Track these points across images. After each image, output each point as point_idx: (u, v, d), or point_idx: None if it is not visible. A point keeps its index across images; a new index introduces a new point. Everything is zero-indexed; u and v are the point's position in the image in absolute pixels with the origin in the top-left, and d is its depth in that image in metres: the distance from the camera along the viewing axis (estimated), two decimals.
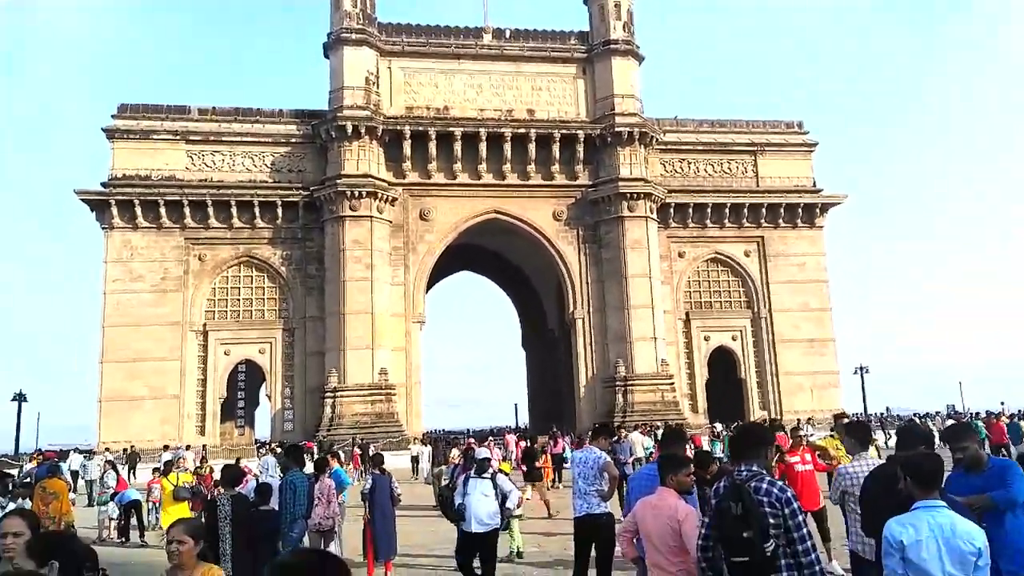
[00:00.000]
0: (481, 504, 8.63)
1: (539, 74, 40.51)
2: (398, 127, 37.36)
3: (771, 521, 4.44)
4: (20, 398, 39.23)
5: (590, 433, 9.33)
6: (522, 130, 38.35)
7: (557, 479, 23.90)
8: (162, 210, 36.16)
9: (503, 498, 8.85)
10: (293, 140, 38.47)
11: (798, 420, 30.96)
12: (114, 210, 35.94)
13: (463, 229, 39.19)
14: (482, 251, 46.54)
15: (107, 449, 30.24)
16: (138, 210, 36.03)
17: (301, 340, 37.28)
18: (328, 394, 35.05)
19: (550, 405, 46.43)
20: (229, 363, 37.19)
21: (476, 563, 8.81)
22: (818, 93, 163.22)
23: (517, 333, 54.94)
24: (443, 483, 15.50)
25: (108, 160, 37.03)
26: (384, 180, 37.39)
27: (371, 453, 19.72)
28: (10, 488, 10.06)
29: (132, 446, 31.50)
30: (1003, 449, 23.86)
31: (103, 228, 36.35)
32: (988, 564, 4.12)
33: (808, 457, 10.70)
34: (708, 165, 42.73)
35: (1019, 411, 34.77)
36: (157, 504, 15.59)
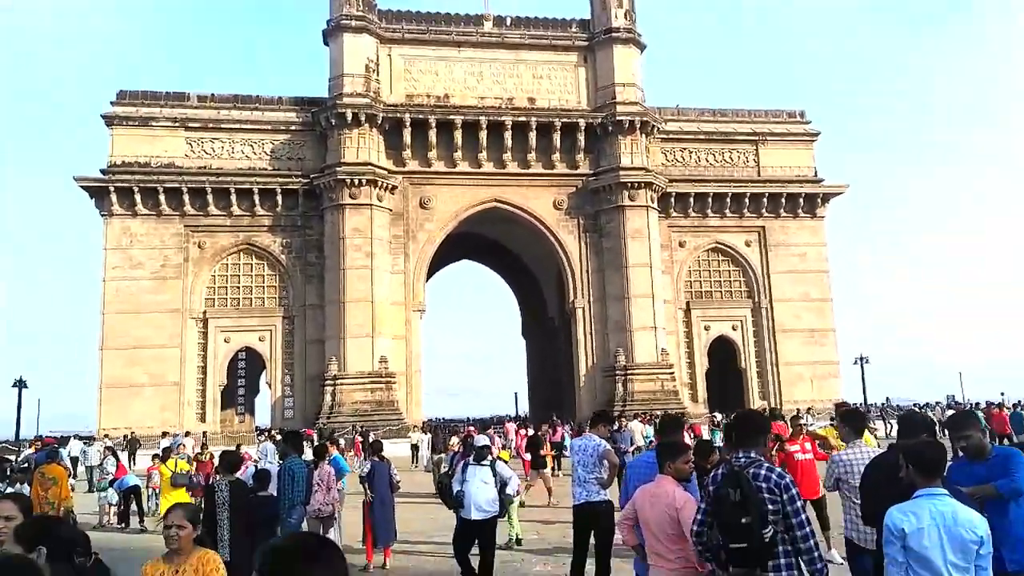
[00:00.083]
0: (480, 491, 8.61)
1: (540, 62, 40.30)
2: (398, 115, 37.20)
3: (770, 507, 4.43)
4: (20, 384, 39.21)
5: (589, 421, 9.28)
6: (523, 118, 38.19)
7: (556, 467, 23.94)
8: (161, 197, 36.06)
9: (502, 484, 8.83)
10: (293, 127, 38.32)
11: (798, 410, 30.99)
12: (113, 197, 35.84)
13: (463, 218, 39.10)
14: (482, 240, 46.46)
15: (106, 435, 30.29)
16: (137, 197, 35.94)
17: (301, 328, 37.28)
18: (328, 382, 35.08)
19: (550, 394, 46.49)
20: (229, 351, 37.20)
21: (475, 550, 8.78)
22: (821, 82, 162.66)
23: (517, 322, 55.00)
24: (442, 471, 15.52)
25: (107, 147, 36.90)
26: (384, 168, 37.26)
27: (370, 440, 19.71)
28: (7, 473, 10.04)
29: (132, 432, 31.56)
30: (1006, 439, 23.88)
31: (102, 215, 36.27)
32: (990, 553, 4.09)
33: (808, 446, 10.69)
34: (709, 154, 42.59)
35: (1021, 401, 34.75)
36: (156, 490, 15.62)
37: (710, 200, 41.06)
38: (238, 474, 10.24)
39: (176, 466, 14.28)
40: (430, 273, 41.35)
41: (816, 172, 43.52)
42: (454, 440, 18.80)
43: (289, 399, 37.01)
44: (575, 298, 39.36)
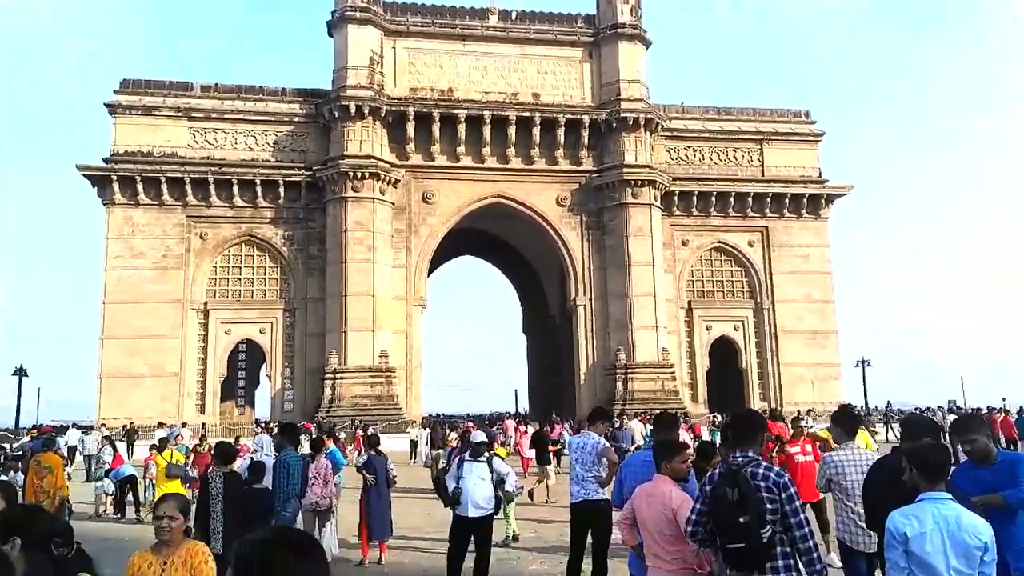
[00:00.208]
0: (477, 488, 8.51)
1: (545, 57, 40.15)
2: (402, 108, 37.08)
3: (768, 507, 4.35)
4: (21, 373, 39.25)
5: (587, 418, 9.17)
6: (527, 114, 38.06)
7: (557, 464, 23.84)
8: (164, 187, 35.99)
9: (500, 481, 8.74)
10: (296, 119, 38.21)
11: (798, 411, 30.88)
12: (115, 186, 35.78)
13: (466, 213, 39.00)
14: (484, 235, 46.36)
15: (103, 425, 30.26)
16: (140, 187, 35.87)
17: (302, 321, 37.22)
18: (328, 375, 35.04)
19: (550, 391, 46.43)
20: (230, 342, 37.17)
21: (471, 546, 8.68)
22: (826, 82, 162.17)
23: (518, 319, 54.91)
24: (440, 466, 15.46)
25: (110, 136, 36.83)
26: (387, 161, 37.16)
27: (368, 435, 19.65)
28: (2, 461, 9.97)
29: (131, 423, 31.53)
30: (1012, 444, 23.75)
31: (104, 204, 36.22)
32: (995, 560, 4.01)
33: (809, 448, 10.60)
34: (713, 153, 42.44)
35: None
36: (152, 480, 15.55)
37: (713, 199, 40.92)
38: (235, 465, 10.17)
39: (172, 457, 14.21)
40: (432, 268, 41.25)
41: (820, 173, 43.35)
42: (452, 436, 18.73)
43: (289, 392, 36.97)
44: (576, 295, 39.27)
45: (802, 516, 4.41)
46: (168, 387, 35.41)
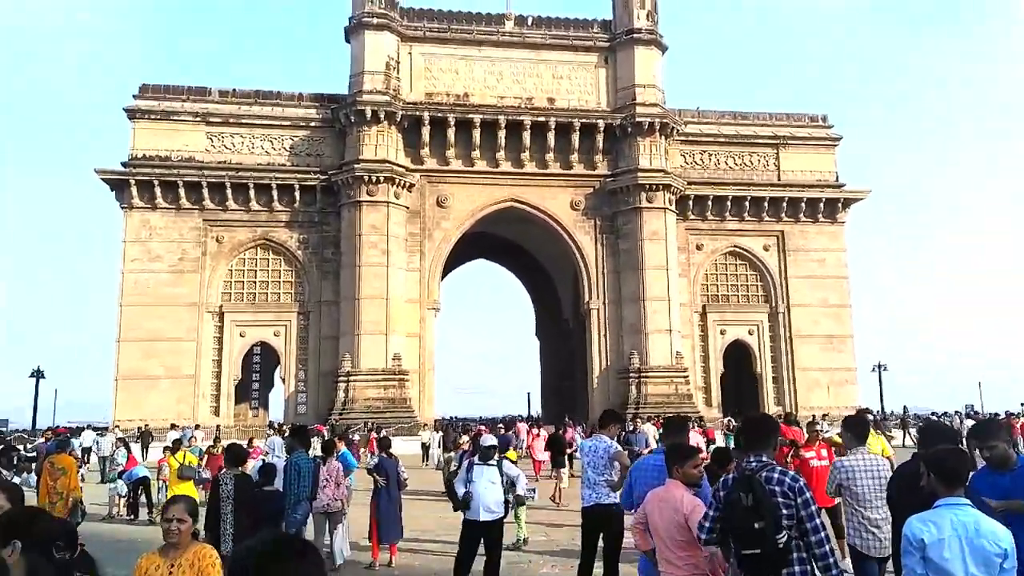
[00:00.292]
0: (489, 492, 8.45)
1: (560, 62, 40.15)
2: (417, 113, 37.19)
3: (783, 512, 4.27)
4: (38, 375, 39.66)
5: (599, 421, 9.08)
6: (542, 118, 38.05)
7: (569, 468, 23.73)
8: (181, 191, 36.28)
9: (510, 484, 8.68)
10: (312, 124, 38.42)
11: (813, 416, 30.61)
12: (133, 190, 36.10)
13: (480, 217, 39.03)
14: (498, 239, 46.37)
15: (117, 427, 30.48)
16: (157, 190, 36.18)
17: (316, 324, 37.35)
18: (341, 378, 35.13)
19: (563, 395, 46.32)
20: (244, 345, 37.37)
21: (480, 550, 8.62)
22: (845, 86, 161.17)
23: (532, 322, 54.85)
24: (452, 469, 15.42)
25: (128, 140, 37.20)
26: (402, 166, 37.27)
27: (378, 437, 19.67)
28: (15, 462, 10.03)
29: (146, 424, 31.74)
30: None
31: (122, 207, 36.55)
32: (1015, 567, 3.92)
33: (824, 453, 10.47)
34: (729, 158, 42.25)
35: None
36: (166, 482, 15.62)
37: (729, 203, 40.73)
38: (247, 467, 10.18)
39: (185, 458, 14.27)
40: (445, 272, 41.30)
41: (837, 177, 43.03)
42: (464, 439, 18.69)
43: (303, 394, 37.11)
44: (590, 299, 39.18)
45: (818, 521, 4.33)
46: (183, 389, 35.64)
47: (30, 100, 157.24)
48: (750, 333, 41.41)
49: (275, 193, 36.96)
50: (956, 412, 40.69)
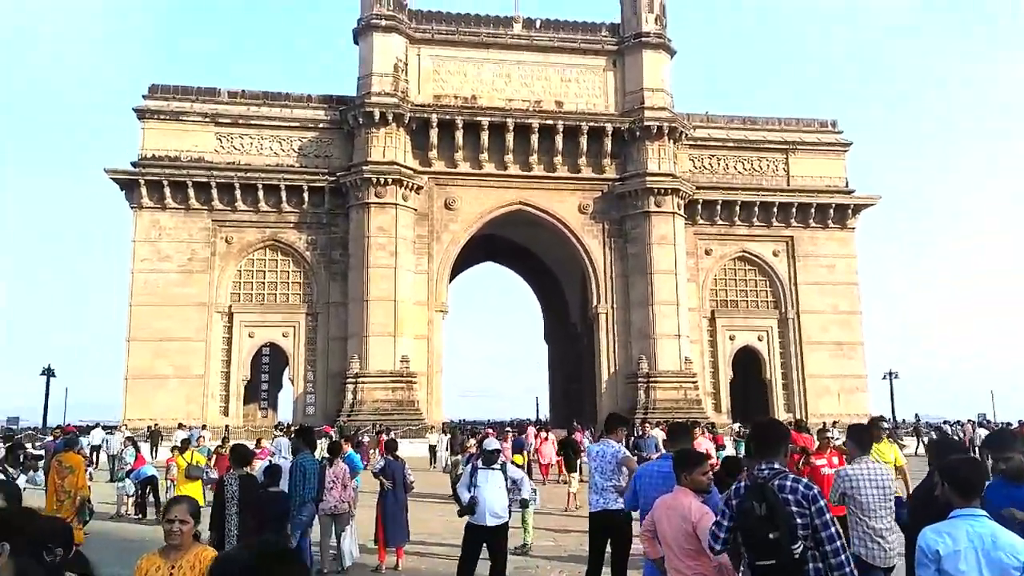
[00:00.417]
0: (495, 496, 8.39)
1: (569, 65, 40.11)
2: (425, 115, 37.22)
3: (798, 521, 4.18)
4: (48, 373, 39.83)
5: (604, 426, 8.98)
6: (550, 121, 38.02)
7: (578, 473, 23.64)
8: (190, 191, 36.41)
9: (514, 486, 8.60)
10: (321, 125, 38.50)
11: (824, 423, 30.40)
12: (143, 190, 36.25)
13: (488, 219, 39.01)
14: (506, 242, 46.33)
15: (125, 426, 30.55)
16: (167, 191, 36.31)
17: (324, 325, 37.40)
18: (349, 380, 35.15)
19: (571, 399, 46.19)
20: (253, 345, 37.45)
21: (482, 556, 8.54)
22: (855, 92, 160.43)
23: (540, 326, 54.76)
24: (459, 472, 15.36)
25: (138, 140, 37.37)
26: (410, 168, 37.31)
27: (384, 440, 19.64)
28: (21, 460, 10.02)
29: (156, 424, 31.82)
30: None
31: (132, 207, 36.71)
32: None
33: (836, 460, 10.35)
34: (738, 162, 42.10)
35: None
36: (174, 481, 15.63)
37: (738, 208, 40.58)
38: (254, 468, 10.15)
39: (192, 458, 14.27)
40: (453, 274, 41.30)
41: (847, 183, 42.82)
42: (471, 442, 18.63)
43: (311, 395, 37.16)
44: (598, 303, 39.08)
45: (833, 530, 4.23)
46: (193, 389, 35.74)
47: (35, 99, 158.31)
48: (759, 339, 41.21)
49: (284, 194, 37.05)
50: (968, 420, 40.27)
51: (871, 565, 6.26)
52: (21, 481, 9.28)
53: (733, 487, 4.63)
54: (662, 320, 37.53)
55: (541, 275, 50.51)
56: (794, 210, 41.04)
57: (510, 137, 37.73)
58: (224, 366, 36.66)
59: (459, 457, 18.38)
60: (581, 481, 19.59)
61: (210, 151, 37.47)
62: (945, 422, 43.27)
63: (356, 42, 38.65)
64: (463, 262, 43.33)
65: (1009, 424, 35.65)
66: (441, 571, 10.65)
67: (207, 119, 37.62)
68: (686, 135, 39.88)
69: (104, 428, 31.39)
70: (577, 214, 39.25)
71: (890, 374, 45.69)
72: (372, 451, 26.35)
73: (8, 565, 2.98)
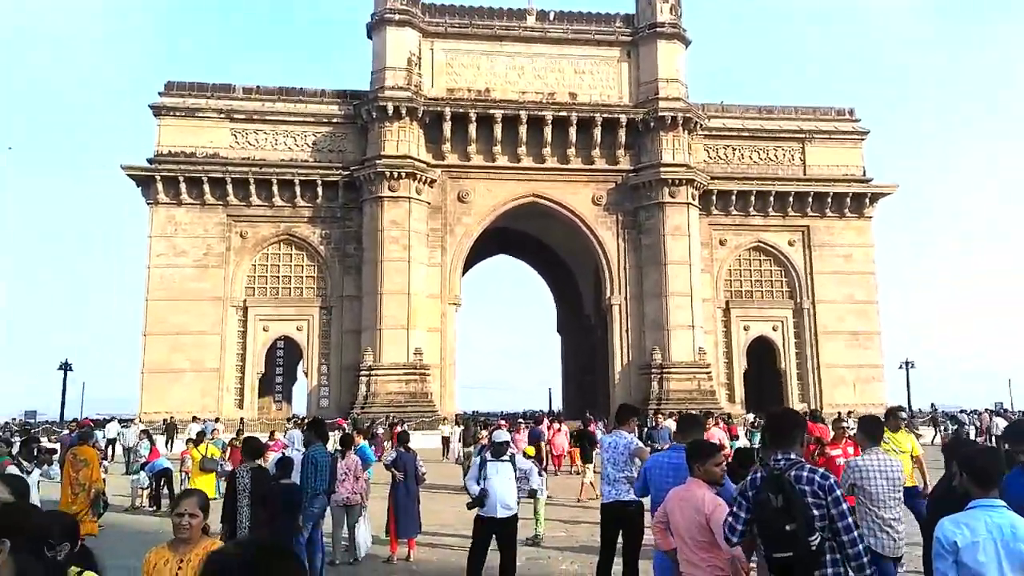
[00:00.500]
0: (506, 488, 8.36)
1: (582, 57, 39.89)
2: (439, 108, 37.17)
3: (815, 512, 4.10)
4: (66, 367, 40.26)
5: (615, 417, 8.92)
6: (563, 113, 37.86)
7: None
8: (206, 187, 36.61)
9: (523, 477, 8.57)
10: (335, 120, 38.56)
11: (839, 413, 30.16)
12: (159, 186, 36.50)
13: (501, 212, 38.95)
14: (519, 235, 46.26)
15: (139, 421, 30.84)
16: (182, 186, 36.54)
17: (338, 318, 37.55)
18: (363, 372, 35.29)
19: (584, 391, 46.15)
20: (268, 339, 37.66)
21: (492, 544, 8.50)
22: (874, 79, 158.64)
23: (553, 318, 54.70)
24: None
25: (154, 137, 37.60)
26: (423, 161, 37.29)
27: (398, 432, 19.71)
28: (35, 454, 10.10)
29: (171, 417, 32.11)
30: None
31: (148, 203, 36.97)
32: None
33: (851, 451, 10.24)
34: (753, 152, 41.74)
35: None
36: (188, 474, 15.75)
37: (753, 198, 40.26)
38: (267, 460, 10.16)
39: (207, 451, 14.35)
40: (466, 267, 41.30)
41: (864, 171, 42.36)
42: (484, 433, 18.63)
43: (325, 388, 37.35)
44: (612, 295, 38.95)
45: (849, 520, 4.15)
46: (208, 382, 36.01)
47: (45, 96, 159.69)
48: (774, 329, 40.95)
49: (298, 189, 37.16)
50: (986, 410, 39.85)
51: (880, 555, 6.30)
52: (35, 475, 9.35)
53: (749, 478, 4.55)
54: (676, 311, 37.36)
55: (554, 267, 50.42)
56: (810, 199, 40.67)
57: (523, 130, 37.61)
58: (239, 360, 36.91)
59: (471, 448, 18.41)
60: (596, 472, 19.58)
61: (225, 147, 37.64)
62: (962, 411, 42.86)
63: (370, 36, 38.64)
64: (476, 255, 43.33)
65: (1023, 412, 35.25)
66: (453, 562, 10.65)
67: (222, 115, 37.77)
68: (701, 125, 39.58)
69: (120, 422, 31.71)
70: (591, 206, 39.10)
71: (906, 363, 45.29)
72: (387, 443, 26.46)
73: (8, 562, 2.95)
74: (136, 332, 36.38)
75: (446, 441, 29.15)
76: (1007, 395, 57.87)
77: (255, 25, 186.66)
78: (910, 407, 43.52)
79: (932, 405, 46.99)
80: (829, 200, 40.87)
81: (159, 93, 38.18)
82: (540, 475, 11.35)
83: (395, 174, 36.10)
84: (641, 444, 8.59)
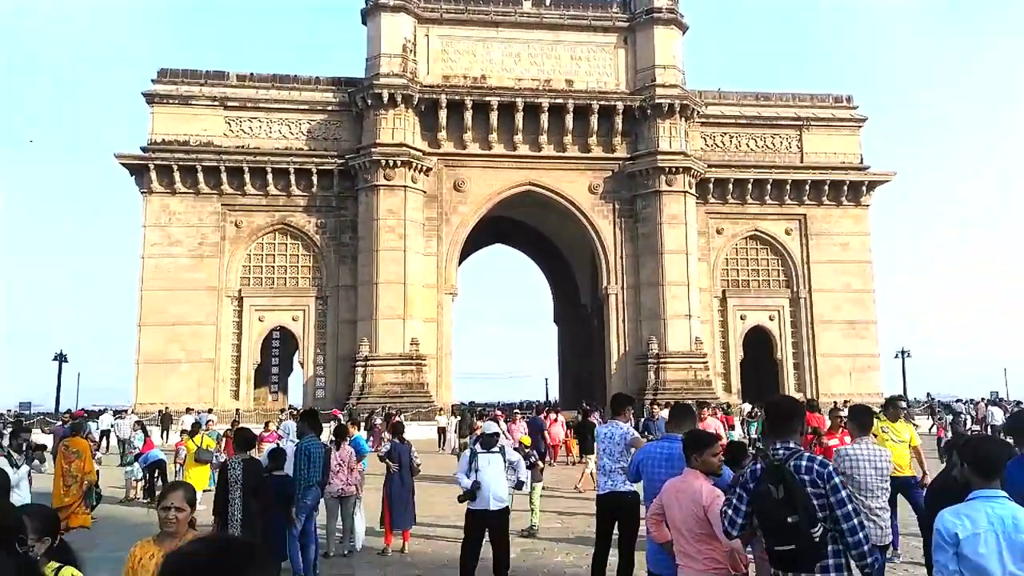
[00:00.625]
0: (499, 480, 8.28)
1: (579, 43, 39.63)
2: (434, 96, 36.92)
3: (816, 502, 4.02)
4: (60, 358, 40.07)
5: (610, 406, 8.83)
6: (559, 100, 37.64)
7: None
8: (200, 176, 36.37)
9: (511, 468, 8.48)
10: (329, 108, 38.29)
11: (835, 403, 30.19)
12: (153, 175, 36.25)
13: (497, 201, 38.78)
14: (516, 224, 46.11)
15: (133, 412, 30.75)
16: (176, 175, 36.29)
17: (334, 308, 37.42)
18: (359, 363, 35.20)
19: (581, 381, 46.14)
20: (263, 329, 37.54)
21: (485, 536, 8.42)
22: (874, 65, 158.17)
23: (550, 307, 54.64)
24: None
25: (147, 125, 37.30)
26: (419, 149, 37.08)
27: (393, 422, 19.66)
28: (23, 449, 9.98)
29: (166, 408, 32.01)
30: None
31: (142, 192, 36.74)
32: None
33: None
34: (751, 139, 41.57)
35: None
36: (183, 465, 15.67)
37: (750, 186, 40.14)
38: (261, 451, 10.09)
39: (202, 442, 14.27)
40: (463, 256, 41.16)
41: (862, 159, 42.24)
42: (480, 424, 18.56)
43: (321, 379, 37.27)
44: (608, 284, 38.86)
45: (849, 507, 4.06)
46: (203, 373, 35.90)
47: (45, 84, 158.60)
48: (771, 319, 40.93)
49: (293, 177, 36.94)
50: (982, 399, 39.96)
51: (872, 545, 6.27)
52: (23, 470, 9.25)
53: (749, 469, 4.46)
54: (672, 300, 37.30)
55: (551, 256, 50.30)
56: (807, 187, 40.55)
57: (519, 117, 37.39)
58: (235, 350, 36.80)
59: (467, 439, 18.34)
60: (581, 460, 19.58)
61: (219, 135, 37.38)
62: (958, 400, 42.98)
63: (364, 23, 38.31)
64: (472, 244, 43.19)
65: (1019, 402, 35.31)
66: (447, 554, 10.59)
67: (216, 103, 37.49)
68: (698, 112, 39.39)
69: (114, 413, 31.60)
70: (587, 194, 38.95)
71: (902, 352, 45.30)
72: (385, 434, 26.39)
73: None
74: (131, 322, 36.27)
75: (442, 432, 29.09)
76: (1003, 384, 58.05)
77: (249, 11, 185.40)
78: (906, 397, 43.59)
79: (928, 394, 47.13)
80: (826, 188, 40.77)
81: (152, 80, 37.88)
82: (539, 465, 11.26)
83: (391, 162, 35.89)
84: (637, 434, 8.52)
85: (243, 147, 37.34)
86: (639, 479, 6.62)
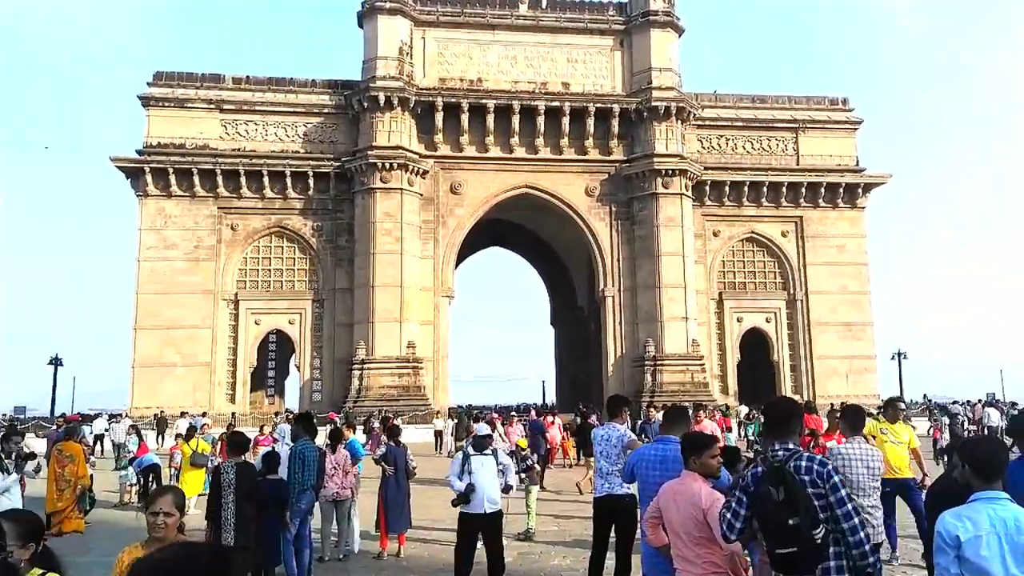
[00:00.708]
0: (492, 483, 8.20)
1: (575, 46, 39.66)
2: (431, 98, 36.90)
3: (818, 503, 3.97)
4: (56, 362, 39.92)
5: (607, 408, 8.76)
6: (556, 103, 37.65)
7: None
8: (195, 179, 36.28)
9: (501, 471, 8.41)
10: (326, 110, 38.24)
11: (832, 404, 30.17)
12: (148, 178, 36.15)
13: (494, 203, 38.76)
14: (513, 227, 46.10)
15: (127, 415, 30.61)
16: (172, 178, 36.20)
17: (330, 311, 37.33)
18: (356, 366, 35.11)
19: (578, 383, 46.11)
20: (259, 332, 37.43)
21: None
22: (867, 69, 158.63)
23: (547, 310, 54.62)
24: None
25: (143, 128, 37.22)
26: (415, 152, 37.04)
27: (389, 425, 19.56)
28: (12, 456, 9.87)
29: (162, 412, 31.88)
30: None
31: (138, 195, 36.64)
32: None
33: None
34: (747, 142, 41.63)
35: None
36: (178, 469, 15.58)
37: (746, 189, 40.20)
38: (256, 455, 10.00)
39: (198, 446, 14.18)
40: (459, 259, 41.11)
41: (858, 161, 42.35)
42: (476, 427, 18.50)
43: (317, 382, 37.16)
44: (605, 287, 38.85)
45: (849, 507, 4.00)
46: (199, 377, 35.78)
47: (45, 84, 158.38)
48: (767, 321, 40.96)
49: (289, 180, 36.88)
50: (978, 400, 39.96)
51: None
52: (13, 477, 9.16)
53: (749, 471, 4.41)
54: (669, 303, 37.30)
55: (548, 259, 50.30)
56: (804, 190, 40.63)
57: (516, 120, 37.39)
58: (231, 353, 36.69)
59: (463, 442, 18.26)
60: (573, 465, 19.53)
61: (215, 138, 37.30)
62: (954, 402, 42.97)
63: (360, 25, 38.29)
64: (469, 247, 43.15)
65: (1014, 404, 35.29)
66: (443, 558, 10.51)
67: (212, 106, 37.41)
68: (694, 115, 39.44)
69: (109, 417, 31.45)
70: (584, 197, 38.95)
71: (899, 354, 45.32)
72: (382, 437, 26.30)
73: None
74: (127, 326, 36.14)
75: (439, 435, 29.02)
76: (999, 385, 58.07)
77: (245, 14, 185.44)
78: (903, 398, 43.61)
79: (924, 396, 47.13)
80: (822, 190, 40.84)
81: (148, 83, 37.79)
82: (536, 468, 11.18)
83: (387, 165, 35.85)
84: (634, 436, 8.46)
85: (239, 150, 37.27)
86: (633, 480, 6.58)
